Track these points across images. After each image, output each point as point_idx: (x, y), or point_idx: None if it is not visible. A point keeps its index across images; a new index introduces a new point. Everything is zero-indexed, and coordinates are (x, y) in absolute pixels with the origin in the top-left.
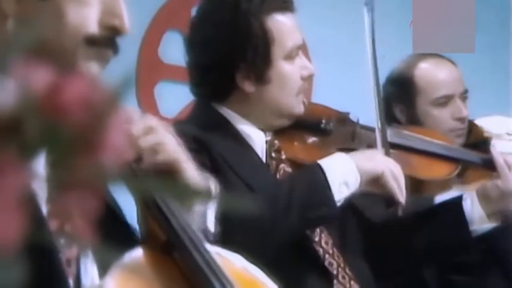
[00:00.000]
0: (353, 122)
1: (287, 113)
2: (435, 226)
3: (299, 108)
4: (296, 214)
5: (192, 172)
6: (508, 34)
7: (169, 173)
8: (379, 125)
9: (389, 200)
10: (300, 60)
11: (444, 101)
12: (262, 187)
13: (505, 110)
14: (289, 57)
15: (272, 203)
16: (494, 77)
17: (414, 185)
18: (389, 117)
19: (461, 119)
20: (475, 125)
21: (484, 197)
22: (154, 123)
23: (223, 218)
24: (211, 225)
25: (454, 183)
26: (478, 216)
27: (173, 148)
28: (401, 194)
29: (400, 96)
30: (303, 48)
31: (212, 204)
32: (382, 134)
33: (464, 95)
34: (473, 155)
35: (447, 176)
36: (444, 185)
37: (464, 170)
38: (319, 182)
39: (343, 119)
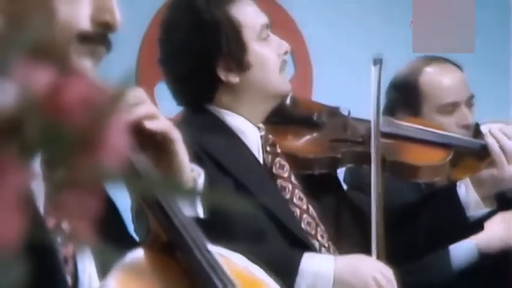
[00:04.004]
0: (343, 114)
1: (275, 93)
2: (432, 213)
3: (286, 86)
4: None
5: (184, 157)
6: (507, 35)
7: (161, 147)
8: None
9: None
10: (273, 39)
11: (451, 109)
12: (256, 185)
13: (505, 113)
14: (261, 38)
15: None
16: (493, 78)
17: (408, 172)
18: None
19: (466, 127)
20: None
21: (478, 182)
22: (144, 95)
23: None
24: (200, 211)
25: (448, 169)
26: (473, 201)
27: (167, 121)
28: None
29: (404, 102)
30: (271, 27)
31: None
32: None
33: (470, 101)
34: (466, 141)
35: (440, 161)
36: (438, 171)
37: (458, 157)
38: (290, 269)
39: (334, 112)
